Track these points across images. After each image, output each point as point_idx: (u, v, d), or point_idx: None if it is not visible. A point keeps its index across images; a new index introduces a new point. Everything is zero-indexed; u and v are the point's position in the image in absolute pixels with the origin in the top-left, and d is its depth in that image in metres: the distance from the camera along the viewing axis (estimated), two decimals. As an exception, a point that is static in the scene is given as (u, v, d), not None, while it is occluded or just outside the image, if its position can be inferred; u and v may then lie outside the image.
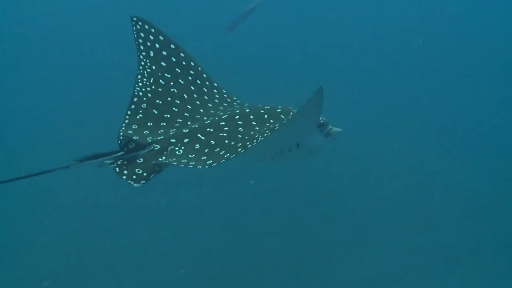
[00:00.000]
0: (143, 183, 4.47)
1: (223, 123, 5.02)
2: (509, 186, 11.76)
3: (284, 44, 16.97)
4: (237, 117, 5.06)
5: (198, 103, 5.51)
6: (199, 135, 4.90)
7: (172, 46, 5.69)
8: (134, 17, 5.63)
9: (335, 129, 5.15)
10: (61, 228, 9.53)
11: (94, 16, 16.00)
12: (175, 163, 4.59)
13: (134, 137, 4.91)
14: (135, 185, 4.46)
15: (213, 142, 4.78)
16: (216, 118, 5.16)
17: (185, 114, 5.37)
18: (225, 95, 5.72)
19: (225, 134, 4.84)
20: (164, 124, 5.21)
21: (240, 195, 10.38)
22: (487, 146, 13.50)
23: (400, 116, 14.17)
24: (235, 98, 5.76)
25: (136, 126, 5.12)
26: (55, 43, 15.17)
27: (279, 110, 5.17)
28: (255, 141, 4.57)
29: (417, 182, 11.67)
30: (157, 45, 5.62)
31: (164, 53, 5.64)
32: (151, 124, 5.19)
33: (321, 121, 4.98)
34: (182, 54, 5.71)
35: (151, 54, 5.59)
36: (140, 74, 5.49)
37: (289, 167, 9.83)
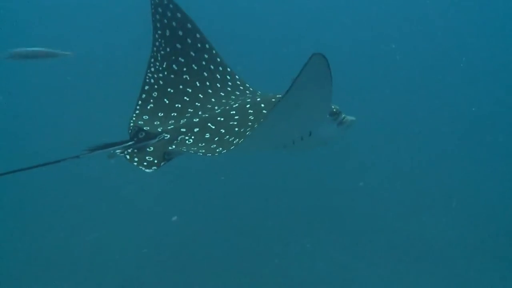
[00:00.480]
0: (155, 169, 4.49)
1: (234, 112, 4.92)
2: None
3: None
4: (248, 106, 4.96)
5: (210, 91, 5.40)
6: (209, 124, 4.83)
7: (189, 26, 5.45)
8: None
9: (349, 117, 4.92)
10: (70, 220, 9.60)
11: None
12: (185, 151, 4.56)
13: (144, 127, 4.87)
14: (146, 170, 4.49)
15: (223, 131, 4.70)
16: (227, 108, 5.06)
17: (196, 103, 5.27)
18: (238, 82, 5.57)
19: (235, 123, 4.75)
20: (175, 114, 5.14)
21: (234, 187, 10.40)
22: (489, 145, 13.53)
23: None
24: (248, 85, 5.61)
25: (147, 117, 5.07)
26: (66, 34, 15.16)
27: None
28: (256, 126, 4.44)
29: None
30: (174, 23, 5.40)
31: (180, 33, 5.41)
32: (162, 114, 5.13)
33: (334, 109, 4.82)
34: (198, 35, 5.48)
35: (167, 33, 5.38)
36: (153, 57, 5.35)
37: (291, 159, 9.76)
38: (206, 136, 4.69)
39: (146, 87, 5.27)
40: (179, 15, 5.41)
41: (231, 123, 4.77)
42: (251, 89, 5.60)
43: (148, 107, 5.17)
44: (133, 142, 4.73)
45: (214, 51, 5.57)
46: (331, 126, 4.83)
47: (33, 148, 10.25)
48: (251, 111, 4.85)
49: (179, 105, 5.24)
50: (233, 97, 5.43)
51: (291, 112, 4.02)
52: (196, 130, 4.81)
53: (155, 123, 5.01)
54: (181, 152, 4.63)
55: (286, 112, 4.00)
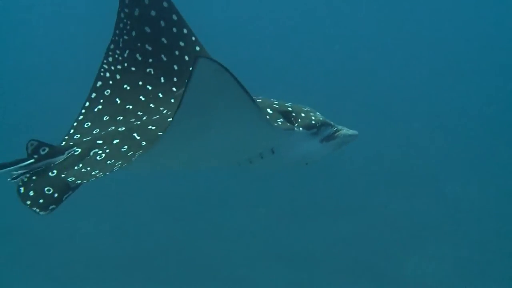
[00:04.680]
0: (52, 209, 3.39)
1: (171, 118, 3.72)
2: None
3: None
4: None
5: (174, 89, 4.36)
6: (135, 134, 3.75)
7: (165, 4, 4.43)
8: None
9: (345, 131, 3.96)
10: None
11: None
12: (76, 178, 3.48)
13: (84, 139, 3.86)
14: (41, 213, 3.38)
15: (144, 143, 3.62)
16: (169, 113, 4.00)
17: (151, 105, 4.23)
18: None
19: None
20: (121, 118, 4.12)
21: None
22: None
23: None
24: None
25: (89, 124, 4.10)
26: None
27: (274, 105, 3.92)
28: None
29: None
30: (146, 0, 4.38)
31: (153, 13, 4.39)
32: (107, 118, 4.12)
33: (312, 122, 3.81)
34: (174, 17, 4.45)
35: (136, 12, 4.37)
36: (113, 43, 4.38)
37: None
38: (123, 150, 3.61)
39: (99, 84, 4.30)
40: None
41: (159, 133, 3.66)
42: None
43: (95, 109, 4.19)
44: (32, 160, 3.64)
45: (193, 38, 4.48)
46: (309, 143, 3.84)
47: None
48: None
49: (130, 107, 4.21)
50: None
51: (194, 125, 3.16)
52: (116, 141, 3.71)
53: (94, 132, 4.00)
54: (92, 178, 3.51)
55: (187, 125, 3.15)
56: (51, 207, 3.37)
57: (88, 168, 3.48)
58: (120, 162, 3.44)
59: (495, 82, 17.03)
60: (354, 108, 13.25)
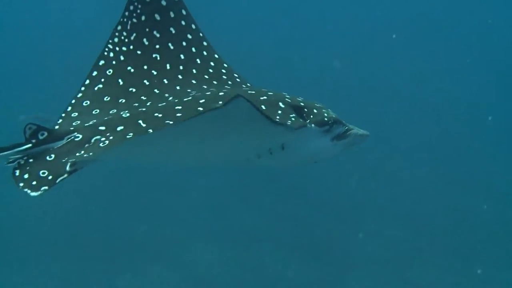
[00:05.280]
0: (44, 191, 3.26)
1: (180, 107, 3.64)
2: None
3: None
4: (202, 100, 3.68)
5: (180, 77, 4.24)
6: (140, 121, 3.57)
7: None
8: None
9: (356, 131, 3.80)
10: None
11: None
12: (73, 163, 3.34)
13: (74, 122, 3.73)
14: (31, 194, 3.26)
15: (151, 131, 3.46)
16: (176, 100, 3.82)
17: (155, 90, 4.09)
18: (223, 71, 4.42)
19: (171, 122, 3.50)
20: (123, 101, 3.98)
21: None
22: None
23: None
24: (236, 76, 4.42)
25: (88, 103, 3.94)
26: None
27: (287, 99, 3.80)
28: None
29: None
30: None
31: (164, 2, 4.35)
32: (108, 99, 3.97)
33: (325, 119, 3.66)
34: (183, 12, 4.44)
35: None
36: (121, 24, 4.28)
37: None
38: (128, 137, 3.44)
39: (101, 62, 4.16)
40: None
41: (166, 121, 3.51)
42: (238, 80, 4.40)
43: (96, 88, 4.04)
44: (30, 145, 3.48)
45: (201, 34, 4.48)
46: (320, 140, 3.70)
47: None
48: (201, 108, 3.57)
49: (134, 90, 4.07)
50: (205, 86, 4.20)
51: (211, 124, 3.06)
52: (119, 128, 3.54)
53: (93, 112, 3.86)
54: (89, 159, 3.37)
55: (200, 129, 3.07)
56: (42, 188, 3.27)
57: (90, 154, 3.31)
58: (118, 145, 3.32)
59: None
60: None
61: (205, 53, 4.40)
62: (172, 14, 4.37)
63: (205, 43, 4.45)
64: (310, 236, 9.64)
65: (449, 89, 17.15)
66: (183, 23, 4.39)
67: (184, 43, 4.37)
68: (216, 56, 4.44)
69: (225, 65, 4.45)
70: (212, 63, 4.39)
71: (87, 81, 4.06)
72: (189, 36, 4.40)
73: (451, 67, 18.91)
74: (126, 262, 8.73)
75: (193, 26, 4.44)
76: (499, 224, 10.26)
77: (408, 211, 10.54)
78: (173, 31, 4.37)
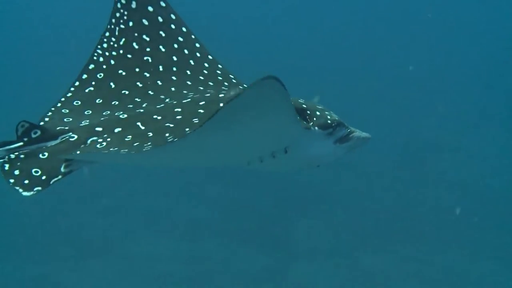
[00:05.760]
0: (37, 191, 3.14)
1: (179, 109, 3.54)
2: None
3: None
4: (202, 102, 3.58)
5: (174, 78, 4.12)
6: (139, 123, 3.46)
7: (162, 4, 4.33)
8: None
9: (359, 133, 3.72)
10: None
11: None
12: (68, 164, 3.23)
13: (66, 119, 3.61)
14: (24, 193, 3.14)
15: (151, 134, 3.33)
16: (174, 102, 3.72)
17: (149, 92, 3.98)
18: (218, 71, 4.31)
19: (171, 125, 3.37)
20: (116, 103, 3.85)
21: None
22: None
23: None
24: (232, 77, 4.32)
25: (79, 103, 3.81)
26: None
27: None
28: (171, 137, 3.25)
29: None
30: None
31: (150, 8, 4.27)
32: (100, 101, 3.84)
33: (328, 121, 3.55)
34: (173, 16, 4.34)
35: (133, 5, 4.24)
36: (109, 31, 4.18)
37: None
38: (127, 139, 3.31)
39: (91, 66, 4.03)
40: None
41: (166, 124, 3.40)
42: (234, 81, 4.28)
43: (86, 90, 3.91)
44: (21, 143, 3.34)
45: (193, 36, 4.36)
46: (323, 143, 3.59)
47: None
48: (202, 110, 3.46)
49: (127, 92, 3.94)
50: (202, 88, 4.09)
51: (233, 121, 2.89)
52: (117, 130, 3.42)
53: (85, 112, 3.73)
54: (85, 160, 3.30)
55: (226, 121, 2.85)
56: (36, 188, 3.15)
57: (87, 154, 3.21)
58: (126, 149, 3.16)
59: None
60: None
61: (198, 54, 4.30)
62: (160, 19, 4.29)
63: (197, 45, 4.35)
64: (257, 226, 9.66)
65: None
66: (172, 26, 4.31)
67: (175, 45, 4.27)
68: (210, 57, 4.34)
69: (219, 66, 4.36)
70: (206, 64, 4.29)
71: (77, 83, 3.94)
72: (180, 39, 4.31)
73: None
74: (69, 256, 8.62)
75: (184, 29, 4.35)
76: (442, 212, 10.40)
77: (354, 197, 10.62)
78: (163, 35, 4.27)
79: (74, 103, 3.78)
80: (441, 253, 9.20)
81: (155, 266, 8.62)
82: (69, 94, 3.85)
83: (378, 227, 9.75)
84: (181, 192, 10.49)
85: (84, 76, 3.97)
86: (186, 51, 4.27)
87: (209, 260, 8.85)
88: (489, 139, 13.54)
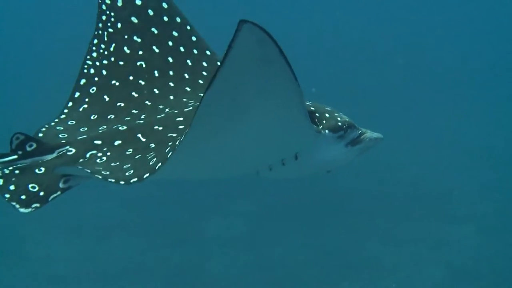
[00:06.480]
0: (35, 208, 3.00)
1: (181, 118, 3.36)
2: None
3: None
4: None
5: (172, 85, 3.88)
6: (139, 135, 3.28)
7: None
8: None
9: (370, 134, 3.53)
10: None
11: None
12: (88, 174, 3.01)
13: (61, 135, 3.43)
14: (21, 210, 3.00)
15: (153, 145, 3.17)
16: (175, 112, 3.52)
17: (146, 102, 3.77)
18: None
19: (174, 135, 3.21)
20: (112, 117, 3.66)
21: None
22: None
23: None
24: None
25: (74, 122, 3.60)
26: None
27: None
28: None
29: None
30: None
31: (138, 2, 3.97)
32: (96, 117, 3.65)
33: (339, 123, 3.36)
34: (164, 5, 4.02)
35: (119, 2, 3.95)
36: (97, 37, 3.92)
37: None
38: (128, 153, 3.15)
39: (82, 81, 3.80)
40: None
41: (169, 134, 3.23)
42: None
43: (81, 109, 3.70)
44: (15, 156, 3.17)
45: (188, 27, 4.03)
46: (334, 147, 3.41)
47: None
48: None
49: (122, 104, 3.74)
50: (201, 94, 3.75)
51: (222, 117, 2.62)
52: (117, 143, 3.25)
53: (81, 129, 3.53)
54: (84, 175, 3.12)
55: (217, 112, 2.56)
56: (34, 205, 3.01)
57: (87, 171, 3.02)
58: (129, 165, 2.99)
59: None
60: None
61: (195, 51, 4.01)
62: (150, 12, 3.99)
63: (194, 38, 4.05)
64: (163, 222, 9.64)
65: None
66: (165, 19, 4.01)
67: (170, 43, 3.99)
68: (208, 52, 4.05)
69: (218, 63, 4.06)
70: (204, 63, 4.02)
71: (70, 103, 3.73)
72: (175, 34, 4.01)
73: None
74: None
75: (178, 20, 4.05)
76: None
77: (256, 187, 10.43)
78: (156, 32, 3.99)
79: (69, 123, 3.60)
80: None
81: (62, 268, 8.43)
82: (63, 116, 3.66)
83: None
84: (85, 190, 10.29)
85: (77, 94, 3.76)
86: (182, 49, 4.00)
87: (116, 258, 8.70)
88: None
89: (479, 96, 15.87)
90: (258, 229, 9.53)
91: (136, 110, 3.69)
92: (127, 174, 2.89)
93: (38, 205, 2.99)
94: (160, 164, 2.75)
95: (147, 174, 2.78)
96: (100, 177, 2.89)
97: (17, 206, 2.97)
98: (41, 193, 3.02)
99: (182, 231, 9.41)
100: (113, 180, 2.87)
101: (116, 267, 8.49)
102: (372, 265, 8.64)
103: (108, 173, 2.95)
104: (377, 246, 9.08)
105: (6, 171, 3.08)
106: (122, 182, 2.84)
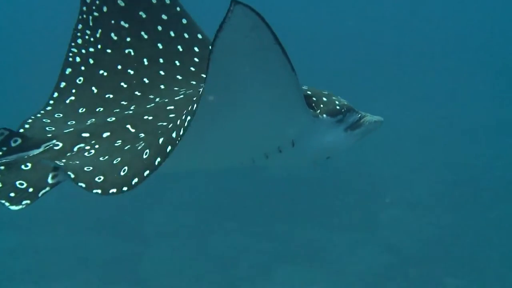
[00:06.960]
0: (26, 205, 2.91)
1: (172, 107, 3.24)
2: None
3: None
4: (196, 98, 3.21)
5: (163, 73, 3.72)
6: (128, 126, 3.16)
7: None
8: None
9: (370, 117, 3.39)
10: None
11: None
12: (70, 174, 2.85)
13: (48, 128, 3.30)
14: (11, 207, 2.91)
15: (143, 135, 3.05)
16: (166, 101, 3.39)
17: (136, 92, 3.62)
18: None
19: (164, 123, 3.07)
20: (101, 109, 3.51)
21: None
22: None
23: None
24: None
25: (61, 115, 3.46)
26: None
27: None
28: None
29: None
30: None
31: None
32: (84, 110, 3.50)
33: (337, 107, 3.21)
34: None
35: None
36: (81, 22, 3.73)
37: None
38: (116, 144, 3.02)
39: (68, 70, 3.65)
40: None
41: (159, 123, 3.10)
42: None
43: (67, 101, 3.55)
44: (0, 153, 3.07)
45: (178, 8, 3.83)
46: (333, 132, 3.26)
47: None
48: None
49: (111, 96, 3.59)
50: (194, 82, 3.71)
51: (221, 105, 2.55)
52: (105, 135, 3.13)
53: (68, 123, 3.39)
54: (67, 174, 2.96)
55: (214, 106, 2.52)
56: (24, 202, 2.93)
57: (69, 165, 2.90)
58: (119, 158, 2.85)
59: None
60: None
61: (186, 35, 3.83)
62: None
63: (184, 21, 3.85)
64: (109, 214, 9.53)
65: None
66: (153, 1, 3.80)
67: (159, 28, 3.80)
68: (200, 36, 3.86)
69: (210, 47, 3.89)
70: (196, 49, 3.83)
71: (55, 94, 3.58)
72: (164, 17, 3.82)
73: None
74: None
75: (167, 1, 3.84)
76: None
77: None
78: (144, 15, 3.80)
79: (55, 116, 3.46)
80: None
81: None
82: (49, 108, 3.52)
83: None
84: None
85: (62, 84, 3.61)
86: (172, 34, 3.81)
87: (58, 252, 8.70)
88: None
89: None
90: (199, 220, 9.53)
91: (125, 102, 3.55)
92: (116, 170, 2.77)
93: (28, 201, 2.91)
94: (159, 159, 2.64)
95: (148, 172, 2.66)
96: (84, 185, 2.77)
97: (7, 204, 2.89)
98: (30, 190, 2.92)
99: (122, 222, 9.39)
100: (99, 192, 2.77)
101: (52, 260, 8.48)
102: (311, 251, 8.74)
103: (96, 174, 2.82)
104: (317, 232, 9.14)
105: None
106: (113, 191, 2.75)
